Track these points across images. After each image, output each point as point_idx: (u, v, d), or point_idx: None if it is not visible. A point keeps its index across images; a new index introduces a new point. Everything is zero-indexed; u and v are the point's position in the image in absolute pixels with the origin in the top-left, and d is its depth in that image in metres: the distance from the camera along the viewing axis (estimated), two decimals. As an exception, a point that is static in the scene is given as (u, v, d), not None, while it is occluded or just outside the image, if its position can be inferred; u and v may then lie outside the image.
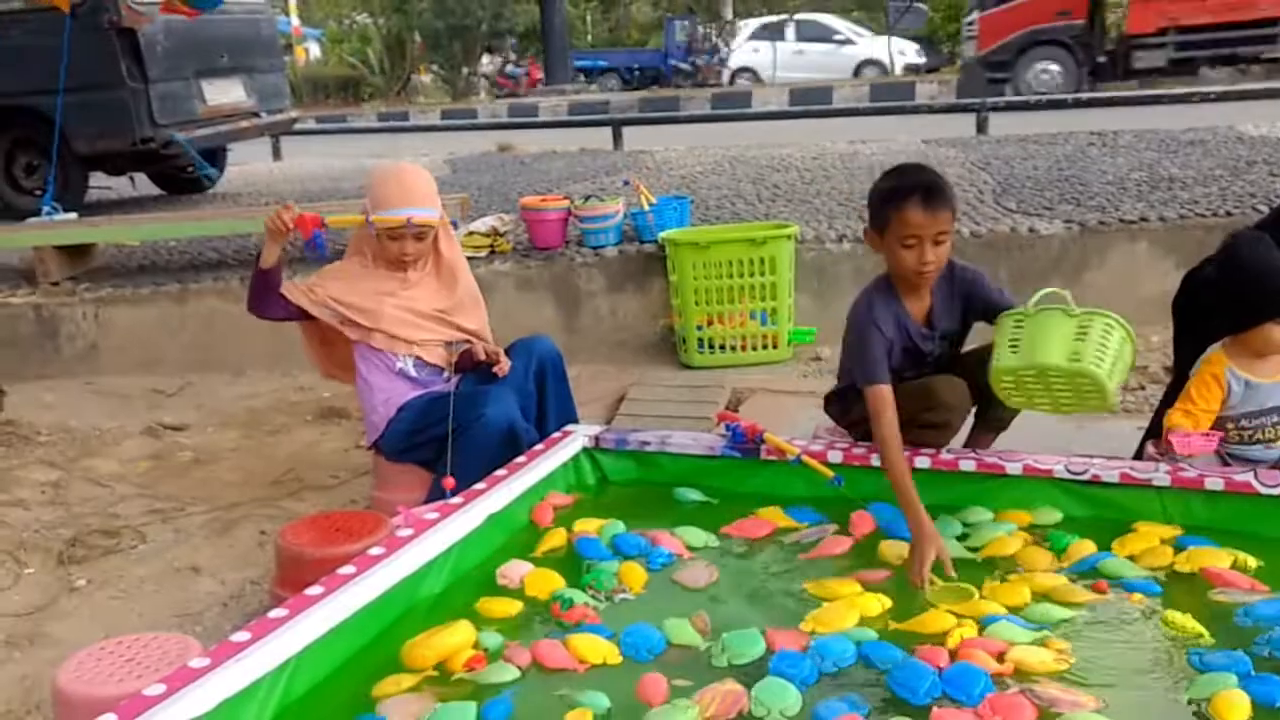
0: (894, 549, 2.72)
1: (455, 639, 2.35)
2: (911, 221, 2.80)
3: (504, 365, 3.34)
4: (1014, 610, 2.40)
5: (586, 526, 2.94)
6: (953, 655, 2.21)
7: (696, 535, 2.87)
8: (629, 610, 2.53)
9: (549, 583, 2.64)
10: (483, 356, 3.36)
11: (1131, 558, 2.60)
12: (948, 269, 3.00)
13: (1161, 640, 2.28)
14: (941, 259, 2.88)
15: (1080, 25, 15.29)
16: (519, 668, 2.29)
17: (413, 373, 3.39)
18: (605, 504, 3.13)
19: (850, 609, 2.41)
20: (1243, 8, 14.20)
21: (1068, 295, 2.83)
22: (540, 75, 25.87)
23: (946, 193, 2.84)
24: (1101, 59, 15.42)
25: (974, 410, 3.07)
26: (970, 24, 16.66)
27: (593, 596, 2.57)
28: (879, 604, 2.44)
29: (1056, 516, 2.84)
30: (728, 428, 3.18)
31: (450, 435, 3.13)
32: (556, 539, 2.89)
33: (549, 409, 3.45)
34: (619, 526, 2.93)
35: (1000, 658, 2.18)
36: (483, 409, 3.18)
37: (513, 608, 2.56)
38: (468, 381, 3.36)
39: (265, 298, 3.35)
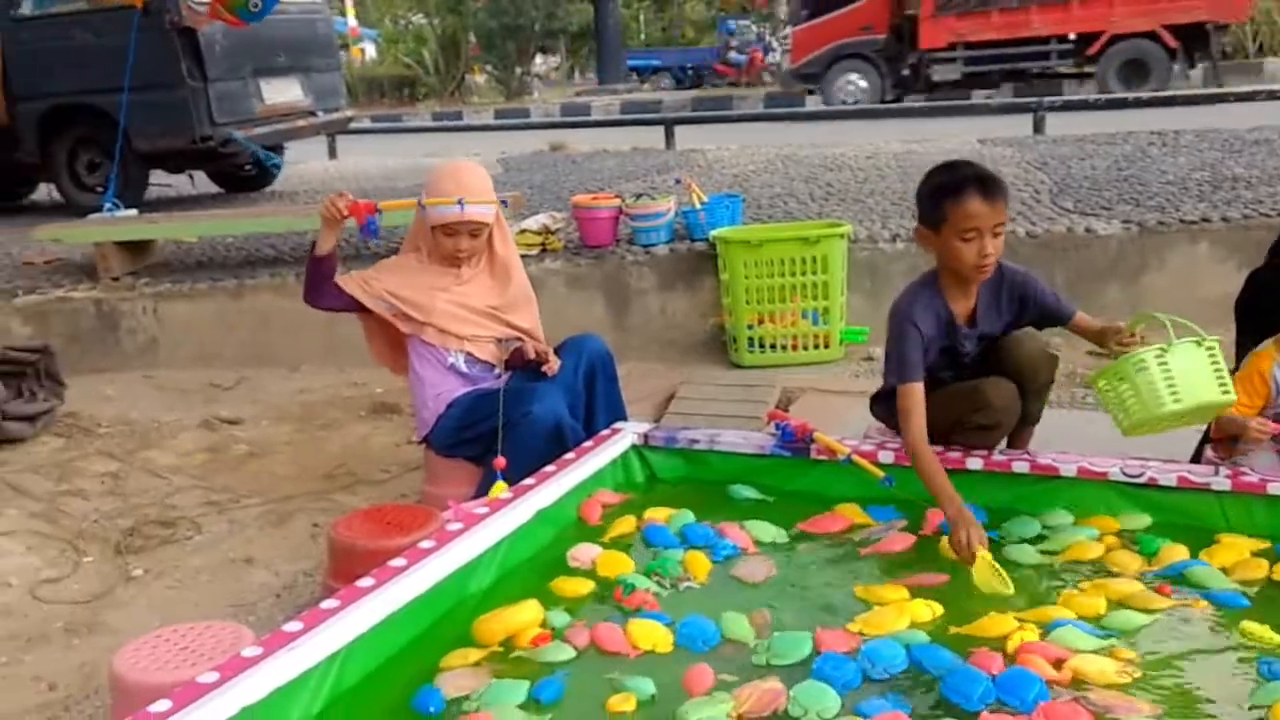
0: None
1: (524, 617, 2.44)
2: (972, 213, 2.76)
3: (553, 364, 3.35)
4: (1089, 618, 2.33)
5: (656, 515, 2.96)
6: (1009, 660, 2.17)
7: (765, 530, 2.85)
8: (690, 600, 2.54)
9: (620, 565, 2.69)
10: (532, 355, 3.37)
11: (1224, 569, 2.50)
12: (1014, 277, 2.97)
13: (1236, 650, 2.21)
14: (999, 252, 2.84)
15: (883, 40, 16.73)
16: (576, 648, 2.33)
17: (464, 368, 3.41)
18: (665, 498, 3.12)
19: (901, 614, 2.38)
20: (1019, 26, 15.65)
21: (1164, 320, 2.76)
22: (763, 61, 25.46)
23: (999, 183, 2.82)
24: (905, 71, 16.69)
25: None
26: (785, 38, 17.32)
27: (657, 583, 2.60)
28: (929, 610, 2.40)
29: (1145, 521, 2.75)
30: (777, 426, 3.17)
31: (500, 431, 3.14)
32: (625, 525, 2.93)
33: (598, 408, 3.45)
34: (688, 516, 2.94)
35: (1059, 665, 2.13)
36: (530, 405, 3.19)
37: (584, 587, 2.62)
38: (517, 379, 3.38)
39: (320, 287, 3.38)
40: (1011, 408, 2.95)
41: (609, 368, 3.50)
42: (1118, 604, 2.39)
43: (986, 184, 2.77)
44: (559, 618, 2.46)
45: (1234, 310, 3.12)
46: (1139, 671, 2.12)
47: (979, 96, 15.80)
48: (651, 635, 2.35)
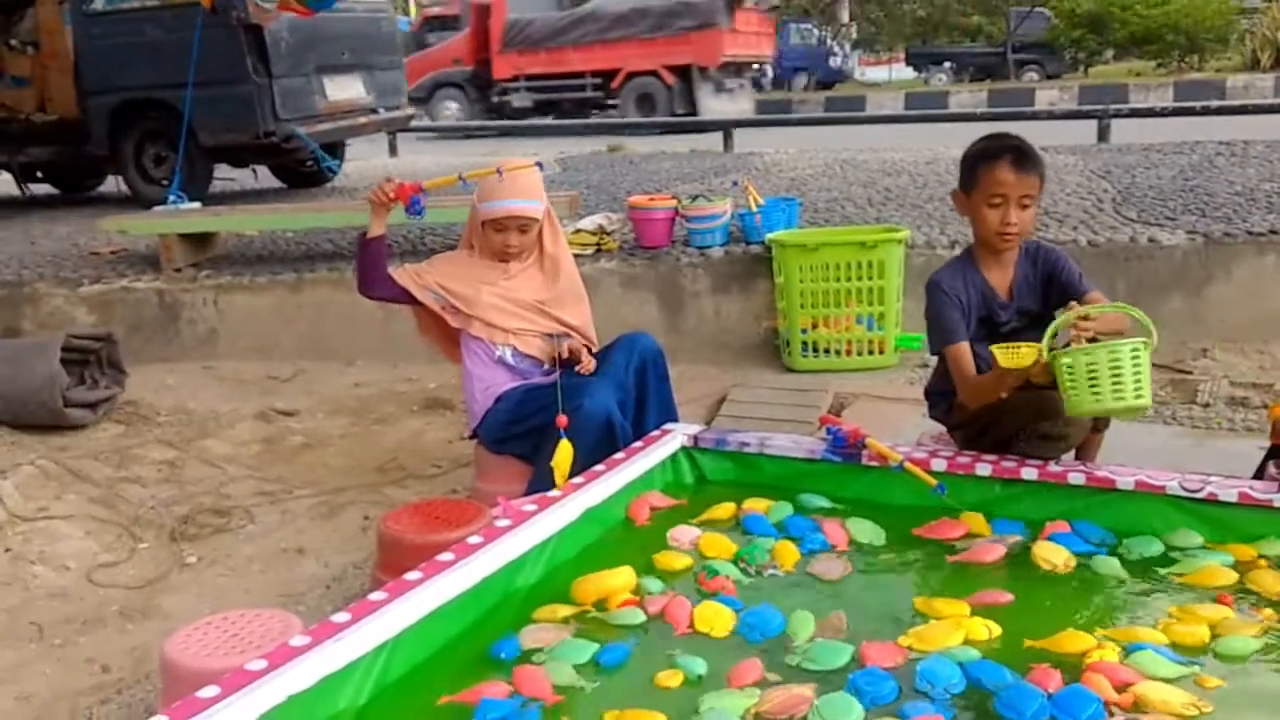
0: (1047, 552, 2.61)
1: (617, 581, 2.56)
2: (1000, 179, 2.88)
3: (587, 364, 3.35)
4: (1188, 645, 2.23)
5: (755, 505, 2.97)
6: (1070, 679, 2.10)
7: (865, 529, 2.82)
8: (766, 591, 2.54)
9: (721, 547, 2.74)
10: (566, 353, 3.37)
11: None
12: (1033, 248, 3.06)
13: None
14: (1025, 224, 2.93)
15: (470, 70, 19.45)
16: (649, 616, 2.43)
17: (511, 361, 3.43)
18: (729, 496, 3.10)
19: (955, 630, 2.31)
20: (563, 63, 18.49)
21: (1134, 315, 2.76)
22: None
23: (1035, 158, 2.91)
24: (494, 98, 19.29)
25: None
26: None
27: (742, 570, 2.62)
28: (986, 630, 2.31)
29: None
30: (829, 431, 3.14)
31: (562, 428, 3.15)
32: (724, 511, 2.96)
33: (649, 406, 3.45)
34: (787, 509, 2.94)
35: (1123, 689, 2.05)
36: (580, 400, 3.20)
37: (683, 562, 2.69)
38: (568, 375, 3.38)
39: (371, 274, 3.42)
40: (1082, 421, 2.90)
41: (660, 366, 3.50)
42: (1221, 631, 2.27)
43: (1021, 155, 2.88)
44: (653, 584, 2.57)
45: None
46: (1209, 706, 2.01)
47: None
48: (711, 619, 2.38)
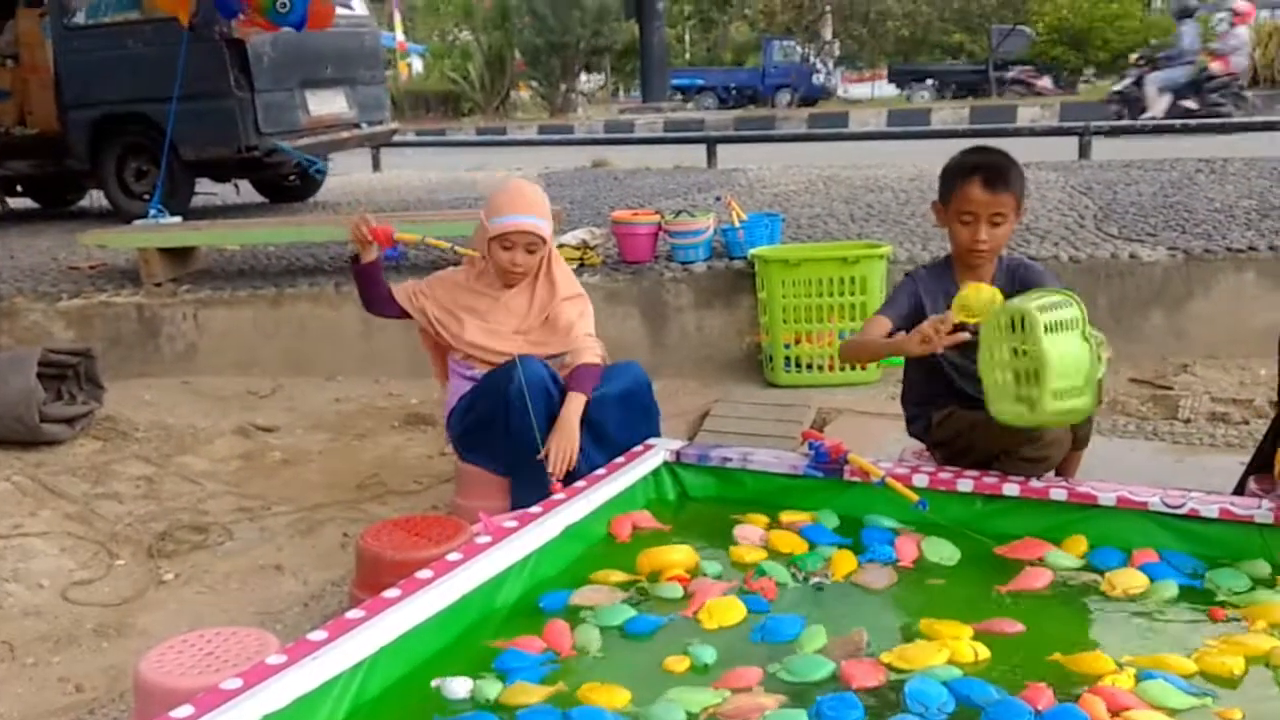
0: (1127, 580, 2.56)
1: (675, 556, 2.72)
2: (970, 197, 2.91)
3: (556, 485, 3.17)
4: (1216, 678, 2.17)
5: (796, 518, 2.98)
6: (1064, 698, 2.07)
7: (939, 548, 2.76)
8: (808, 598, 2.57)
9: (791, 544, 2.80)
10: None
11: None
12: (1014, 264, 3.09)
13: None
14: (996, 241, 2.96)
15: None
16: (687, 595, 2.56)
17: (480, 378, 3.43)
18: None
19: (938, 651, 2.27)
20: None
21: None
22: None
23: (1010, 176, 2.91)
24: None
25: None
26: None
27: (793, 575, 2.64)
28: (973, 652, 2.27)
29: None
30: (811, 446, 3.13)
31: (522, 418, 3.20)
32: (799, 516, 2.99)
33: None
34: (833, 519, 2.96)
35: (1118, 714, 2.01)
36: (510, 383, 3.23)
37: (757, 555, 2.76)
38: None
39: (372, 294, 3.52)
40: (1062, 441, 2.91)
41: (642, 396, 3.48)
42: (1261, 661, 2.21)
43: (993, 173, 2.89)
44: (711, 567, 2.70)
45: (1279, 344, 3.04)
46: None
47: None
48: (717, 611, 2.46)
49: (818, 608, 2.51)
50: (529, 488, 3.15)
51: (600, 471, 3.08)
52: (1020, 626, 2.39)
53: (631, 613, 2.47)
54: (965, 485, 2.89)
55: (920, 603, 2.54)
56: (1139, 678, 2.14)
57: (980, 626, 2.38)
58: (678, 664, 2.26)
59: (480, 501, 3.28)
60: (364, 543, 2.89)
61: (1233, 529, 2.67)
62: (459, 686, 2.20)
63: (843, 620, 2.42)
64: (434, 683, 2.21)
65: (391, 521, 3.03)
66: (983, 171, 2.90)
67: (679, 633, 2.41)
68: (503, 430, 3.26)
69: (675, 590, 2.60)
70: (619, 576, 2.65)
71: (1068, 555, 2.70)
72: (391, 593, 2.33)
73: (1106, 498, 2.78)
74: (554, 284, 3.50)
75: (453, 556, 2.52)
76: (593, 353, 3.40)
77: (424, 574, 2.42)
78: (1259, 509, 2.66)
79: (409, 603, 2.31)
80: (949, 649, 2.28)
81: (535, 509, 2.83)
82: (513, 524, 2.72)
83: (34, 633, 3.11)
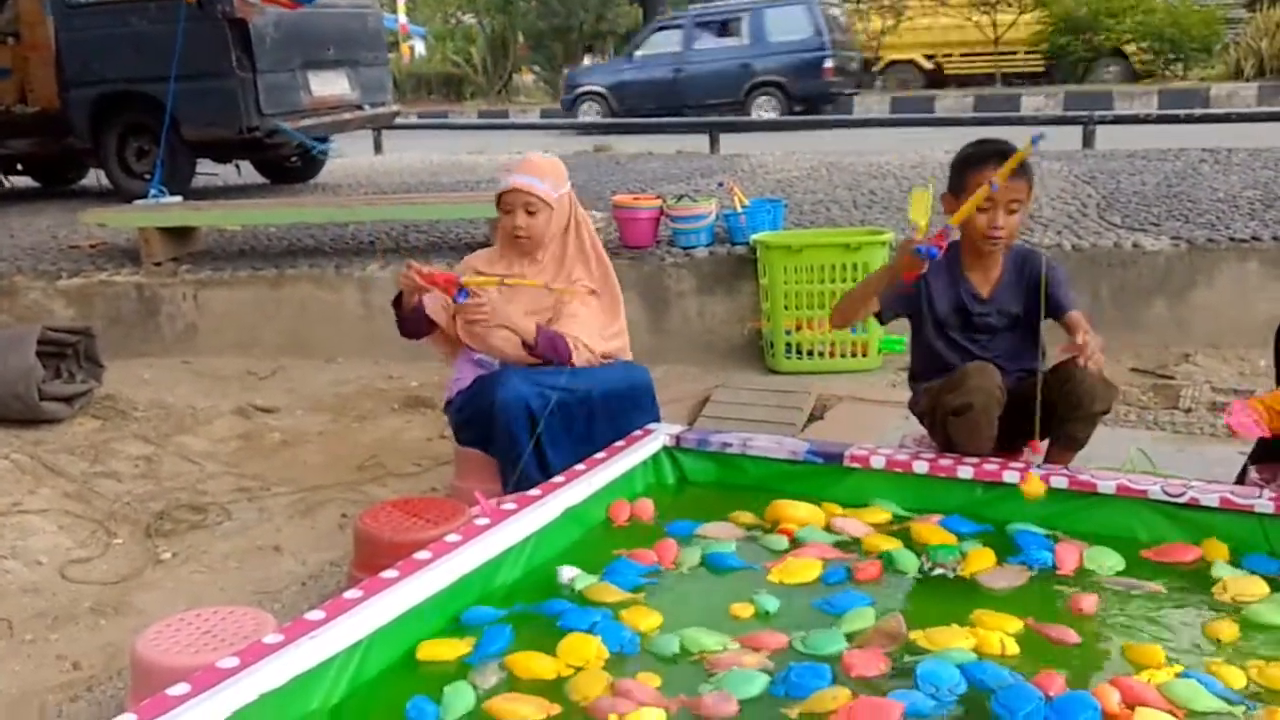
0: (1245, 587, 2.45)
1: (801, 512, 2.86)
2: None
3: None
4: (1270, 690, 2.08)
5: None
6: (1075, 685, 2.06)
7: (1103, 557, 2.62)
8: (910, 586, 2.57)
9: (938, 535, 2.75)
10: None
11: None
12: (1024, 254, 3.11)
13: None
14: (1012, 228, 2.98)
15: None
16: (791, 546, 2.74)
17: (490, 361, 3.41)
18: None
19: (966, 637, 2.24)
20: None
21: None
22: None
23: (1024, 163, 2.89)
24: None
25: (1050, 431, 2.97)
26: None
27: (921, 565, 2.63)
28: (1000, 645, 2.22)
29: None
30: (919, 249, 2.78)
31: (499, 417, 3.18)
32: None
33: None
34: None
35: (1132, 706, 1.98)
36: (494, 394, 3.19)
37: (892, 544, 2.73)
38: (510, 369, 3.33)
39: (413, 327, 3.43)
40: (986, 389, 2.88)
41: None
42: None
43: (1008, 160, 2.85)
44: (830, 538, 2.77)
45: (1275, 338, 3.03)
46: None
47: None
48: (793, 572, 2.57)
49: (898, 593, 2.50)
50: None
51: (600, 455, 3.08)
52: (1075, 638, 2.28)
53: (731, 548, 2.69)
54: (965, 472, 2.89)
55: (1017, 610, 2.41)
56: (1179, 676, 2.09)
57: (1036, 625, 2.32)
58: (743, 610, 2.41)
59: (479, 484, 3.27)
60: (362, 524, 2.89)
61: (1233, 518, 2.65)
62: (568, 573, 2.58)
63: (912, 612, 2.38)
64: (558, 568, 2.60)
65: (390, 503, 3.03)
66: (999, 157, 2.89)
67: (752, 581, 2.55)
68: (492, 438, 3.23)
69: (781, 542, 2.74)
70: (747, 519, 2.87)
71: (1218, 561, 2.58)
72: (389, 573, 2.33)
73: (1106, 486, 2.77)
74: (570, 272, 3.41)
75: (451, 538, 2.52)
76: (581, 352, 3.29)
77: (422, 555, 2.42)
78: (1259, 498, 2.65)
79: (407, 583, 2.30)
80: (977, 638, 2.25)
81: (534, 491, 2.82)
82: (511, 506, 2.71)
83: (32, 610, 3.11)
